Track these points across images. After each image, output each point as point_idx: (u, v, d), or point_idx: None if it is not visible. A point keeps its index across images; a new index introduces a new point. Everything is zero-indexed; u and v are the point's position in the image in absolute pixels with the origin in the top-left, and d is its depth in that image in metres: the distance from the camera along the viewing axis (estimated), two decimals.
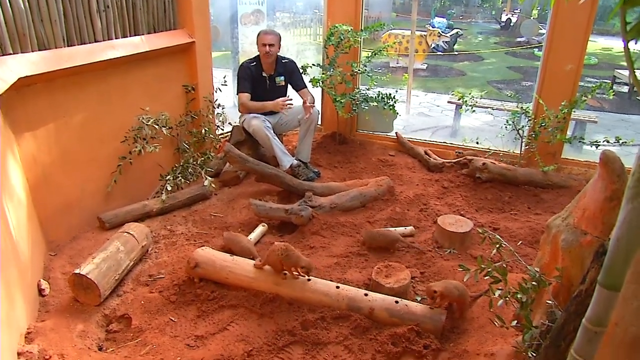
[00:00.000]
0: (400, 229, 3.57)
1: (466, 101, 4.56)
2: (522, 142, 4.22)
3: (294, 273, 2.73)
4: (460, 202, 4.07)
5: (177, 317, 2.72)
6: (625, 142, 3.47)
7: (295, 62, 4.71)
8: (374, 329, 2.54)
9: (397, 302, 2.57)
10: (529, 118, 3.98)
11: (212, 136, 4.67)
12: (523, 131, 4.01)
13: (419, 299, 2.82)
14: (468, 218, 3.42)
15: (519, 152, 4.34)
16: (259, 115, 4.57)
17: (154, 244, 3.47)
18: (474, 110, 4.56)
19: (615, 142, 3.51)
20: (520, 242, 3.33)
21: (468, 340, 2.42)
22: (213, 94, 4.77)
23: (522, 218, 3.74)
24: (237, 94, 4.53)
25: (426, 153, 4.92)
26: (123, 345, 2.39)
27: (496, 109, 5.37)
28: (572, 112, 3.71)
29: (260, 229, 3.66)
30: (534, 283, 1.60)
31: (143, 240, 3.22)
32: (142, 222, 3.67)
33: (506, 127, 4.09)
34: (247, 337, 2.51)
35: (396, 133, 5.28)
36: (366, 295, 2.62)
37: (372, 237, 3.23)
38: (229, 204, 4.17)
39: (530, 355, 1.52)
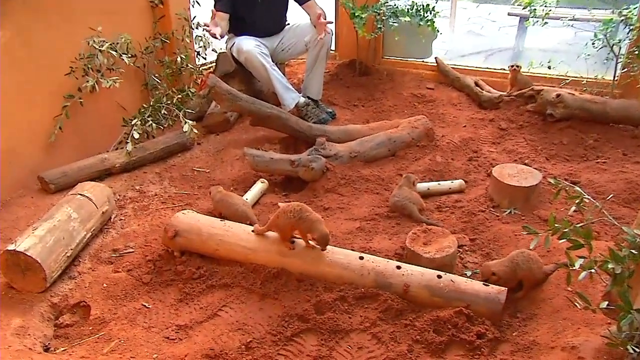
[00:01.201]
0: (446, 184, 3.57)
1: (535, 11, 4.37)
2: (616, 63, 4.02)
3: (308, 242, 2.74)
4: (524, 147, 4.02)
5: (152, 303, 2.74)
6: None
7: None
8: (409, 312, 2.54)
9: (439, 276, 2.58)
10: (632, 28, 3.63)
11: (190, 67, 4.63)
12: (620, 48, 3.74)
13: (468, 273, 2.82)
14: (535, 168, 3.41)
15: (611, 78, 4.19)
16: (252, 37, 4.44)
17: (119, 209, 3.48)
18: (545, 23, 4.33)
19: None
20: (611, 196, 3.23)
21: (538, 328, 2.41)
22: (189, 9, 4.68)
23: (613, 168, 3.66)
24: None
25: (477, 84, 4.85)
26: (79, 343, 2.41)
27: (579, 19, 4.79)
28: None
29: (258, 186, 3.66)
30: (633, 251, 1.46)
31: (103, 204, 3.21)
32: (101, 181, 3.66)
33: (594, 43, 3.81)
34: (244, 325, 2.53)
35: (436, 59, 5.22)
36: (399, 268, 2.68)
37: (399, 207, 3.23)
38: (216, 155, 4.17)
39: (631, 350, 1.41)
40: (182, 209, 3.19)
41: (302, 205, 2.72)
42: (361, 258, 2.71)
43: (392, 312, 2.54)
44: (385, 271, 2.64)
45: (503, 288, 2.53)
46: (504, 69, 4.75)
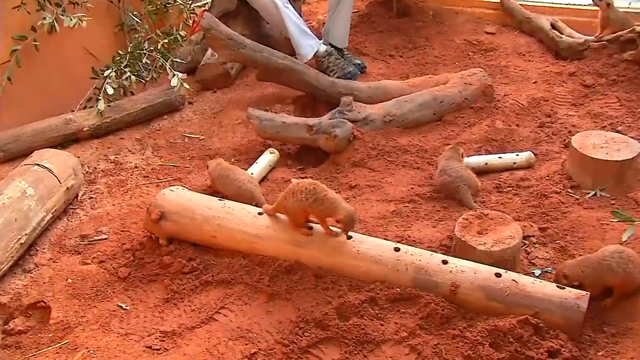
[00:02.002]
0: (509, 157, 3.57)
1: None
2: None
3: (328, 228, 2.75)
4: (616, 110, 3.98)
5: (131, 303, 2.74)
6: None
7: None
8: (458, 319, 2.54)
9: (499, 275, 2.57)
10: None
11: (180, 2, 4.62)
12: None
13: (537, 272, 2.81)
14: (631, 137, 3.37)
15: None
16: None
17: (88, 184, 3.49)
18: None
19: None
20: None
21: (633, 347, 2.39)
22: None
23: None
24: None
25: (554, 27, 4.82)
26: (35, 354, 2.44)
27: None
28: None
29: (266, 158, 3.69)
30: None
31: (68, 178, 3.23)
32: (65, 148, 3.67)
33: None
34: (247, 333, 2.55)
35: None
36: (446, 263, 2.66)
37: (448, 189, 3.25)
38: (213, 118, 4.21)
39: None
40: (170, 185, 3.20)
41: (315, 183, 2.74)
42: (397, 250, 2.71)
43: (436, 319, 2.54)
44: (427, 267, 2.64)
45: (584, 292, 2.51)
46: (591, 5, 4.76)
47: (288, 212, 2.77)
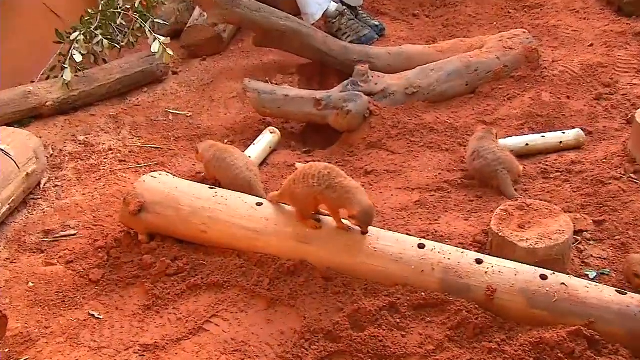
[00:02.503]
0: (555, 137, 3.57)
1: None
2: None
3: (340, 221, 2.77)
4: None
5: (105, 312, 2.76)
6: None
7: None
8: (495, 330, 2.54)
9: (544, 277, 2.57)
10: None
11: None
12: None
13: (592, 274, 2.81)
14: None
15: None
16: None
17: (52, 170, 3.53)
18: None
19: None
20: None
21: None
22: None
23: None
24: None
25: None
26: None
27: None
28: None
29: (266, 138, 3.73)
30: None
31: (28, 162, 3.26)
32: (24, 127, 3.72)
33: None
34: (243, 346, 2.57)
35: None
36: (480, 263, 2.67)
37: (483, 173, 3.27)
38: (202, 91, 4.27)
39: None
40: (151, 171, 3.20)
41: (331, 167, 2.75)
42: (421, 247, 2.71)
43: (469, 329, 2.54)
44: (458, 267, 2.65)
45: None
46: None
47: (295, 200, 2.79)
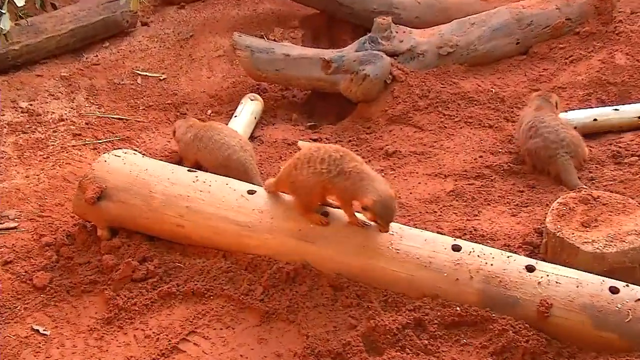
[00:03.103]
0: (631, 110, 3.56)
1: None
2: None
3: (353, 214, 2.76)
4: None
5: (54, 326, 2.76)
6: None
7: None
8: (551, 356, 2.51)
9: (615, 290, 2.52)
10: None
11: None
12: None
13: None
14: None
15: None
16: None
17: None
18: None
19: None
20: None
21: None
22: None
23: None
24: None
25: None
26: None
27: None
28: None
29: (248, 107, 3.79)
30: None
31: None
32: None
33: None
34: None
35: None
36: (531, 270, 2.64)
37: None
38: (180, 48, 4.32)
39: None
40: (115, 149, 3.20)
41: (343, 149, 2.76)
42: (456, 248, 2.69)
43: (517, 355, 2.51)
44: (503, 275, 2.61)
45: None
46: None
47: (297, 189, 2.79)
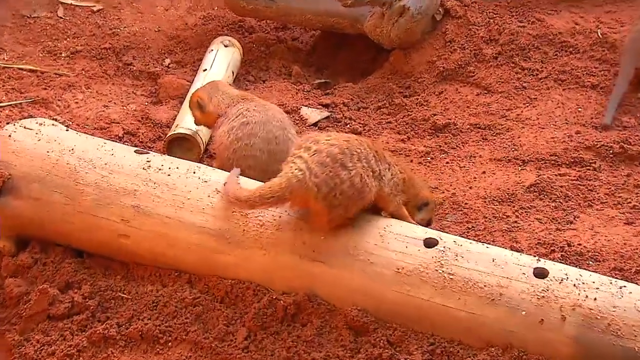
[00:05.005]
0: None
1: None
2: None
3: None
4: None
5: None
6: None
7: None
8: None
9: None
10: None
11: None
12: None
13: None
14: None
15: None
16: None
17: None
18: None
19: None
20: None
21: None
22: None
23: None
24: None
25: None
26: None
27: None
28: None
29: (222, 57, 3.82)
30: None
31: None
32: None
33: None
34: None
35: None
36: None
37: None
38: None
39: None
40: (23, 118, 3.29)
41: (357, 138, 2.77)
42: (541, 274, 2.66)
43: None
44: (613, 315, 2.58)
45: None
46: None
47: (291, 193, 2.77)
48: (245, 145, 3.27)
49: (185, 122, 3.60)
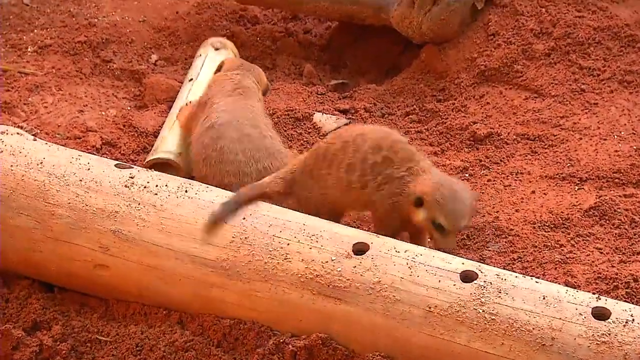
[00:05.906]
0: None
1: None
2: None
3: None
4: None
5: None
6: None
7: None
8: None
9: None
10: None
11: None
12: None
13: None
14: None
15: None
16: None
17: None
18: None
19: None
20: None
21: None
22: None
23: None
24: None
25: None
26: None
27: None
28: None
29: (209, 62, 3.84)
30: None
31: None
32: None
33: None
34: None
35: None
36: None
37: None
38: None
39: None
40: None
41: (391, 134, 2.86)
42: (602, 315, 2.66)
43: None
44: None
45: None
46: None
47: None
48: (214, 152, 3.31)
49: (166, 143, 3.62)
